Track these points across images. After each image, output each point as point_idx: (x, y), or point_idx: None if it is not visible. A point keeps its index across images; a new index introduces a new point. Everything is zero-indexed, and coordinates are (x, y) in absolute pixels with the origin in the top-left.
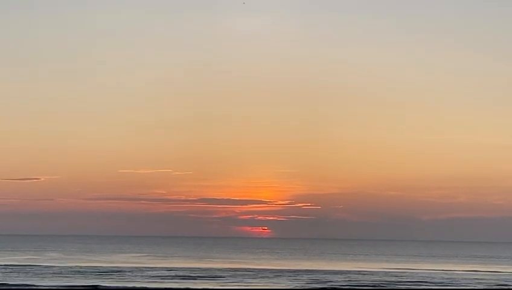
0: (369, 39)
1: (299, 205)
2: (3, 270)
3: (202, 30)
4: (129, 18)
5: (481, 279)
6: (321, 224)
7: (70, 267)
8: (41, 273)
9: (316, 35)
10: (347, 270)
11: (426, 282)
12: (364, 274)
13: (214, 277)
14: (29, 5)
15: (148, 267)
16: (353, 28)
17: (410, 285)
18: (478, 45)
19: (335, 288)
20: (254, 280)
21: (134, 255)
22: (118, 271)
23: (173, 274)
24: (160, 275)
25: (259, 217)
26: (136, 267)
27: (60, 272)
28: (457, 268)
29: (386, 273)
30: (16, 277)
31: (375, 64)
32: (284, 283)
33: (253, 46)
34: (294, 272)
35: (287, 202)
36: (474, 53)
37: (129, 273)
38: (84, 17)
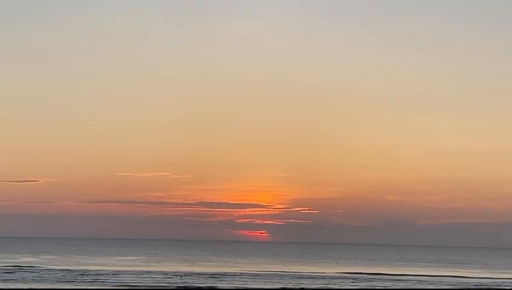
0: (367, 44)
1: (297, 209)
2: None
3: (202, 34)
4: (130, 20)
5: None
6: (319, 228)
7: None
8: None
9: (314, 40)
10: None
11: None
12: (347, 279)
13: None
14: (30, 6)
15: (141, 271)
16: (351, 32)
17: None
18: (478, 50)
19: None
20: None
21: (130, 258)
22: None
23: (160, 278)
24: (147, 278)
25: (257, 221)
26: (119, 271)
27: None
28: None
29: (359, 279)
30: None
31: (373, 69)
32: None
33: (251, 50)
34: (270, 276)
35: (285, 206)
36: (476, 58)
37: (111, 276)
38: (85, 19)
